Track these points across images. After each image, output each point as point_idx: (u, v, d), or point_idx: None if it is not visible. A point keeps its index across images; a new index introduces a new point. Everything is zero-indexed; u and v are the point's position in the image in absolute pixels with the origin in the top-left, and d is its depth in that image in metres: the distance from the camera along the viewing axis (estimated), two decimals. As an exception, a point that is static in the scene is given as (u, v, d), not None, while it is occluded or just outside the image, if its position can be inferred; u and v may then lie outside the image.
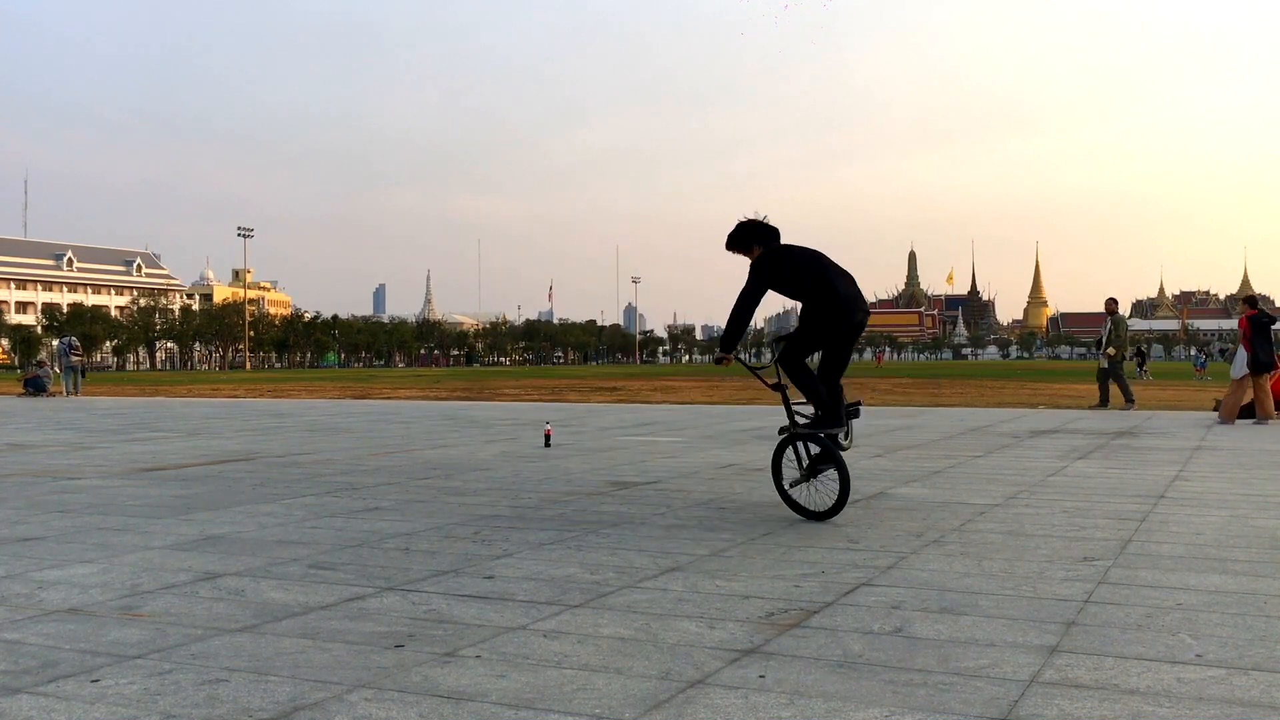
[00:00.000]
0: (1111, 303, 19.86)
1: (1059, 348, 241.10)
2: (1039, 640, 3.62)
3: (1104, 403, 19.11)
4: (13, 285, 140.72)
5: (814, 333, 6.35)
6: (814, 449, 6.35)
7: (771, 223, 6.59)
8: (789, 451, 6.52)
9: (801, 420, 6.45)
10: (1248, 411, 16.64)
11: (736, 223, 6.60)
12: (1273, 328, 16.17)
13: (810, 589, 4.42)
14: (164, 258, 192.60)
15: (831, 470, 6.25)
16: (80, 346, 30.21)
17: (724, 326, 6.43)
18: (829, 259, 6.48)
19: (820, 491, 6.33)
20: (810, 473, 6.35)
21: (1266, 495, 7.41)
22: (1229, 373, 16.06)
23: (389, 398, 27.37)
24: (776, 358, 6.41)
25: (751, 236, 6.55)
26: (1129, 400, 18.97)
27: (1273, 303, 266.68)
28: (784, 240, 6.57)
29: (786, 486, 6.43)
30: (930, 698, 3.02)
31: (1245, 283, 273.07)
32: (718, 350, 6.54)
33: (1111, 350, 19.09)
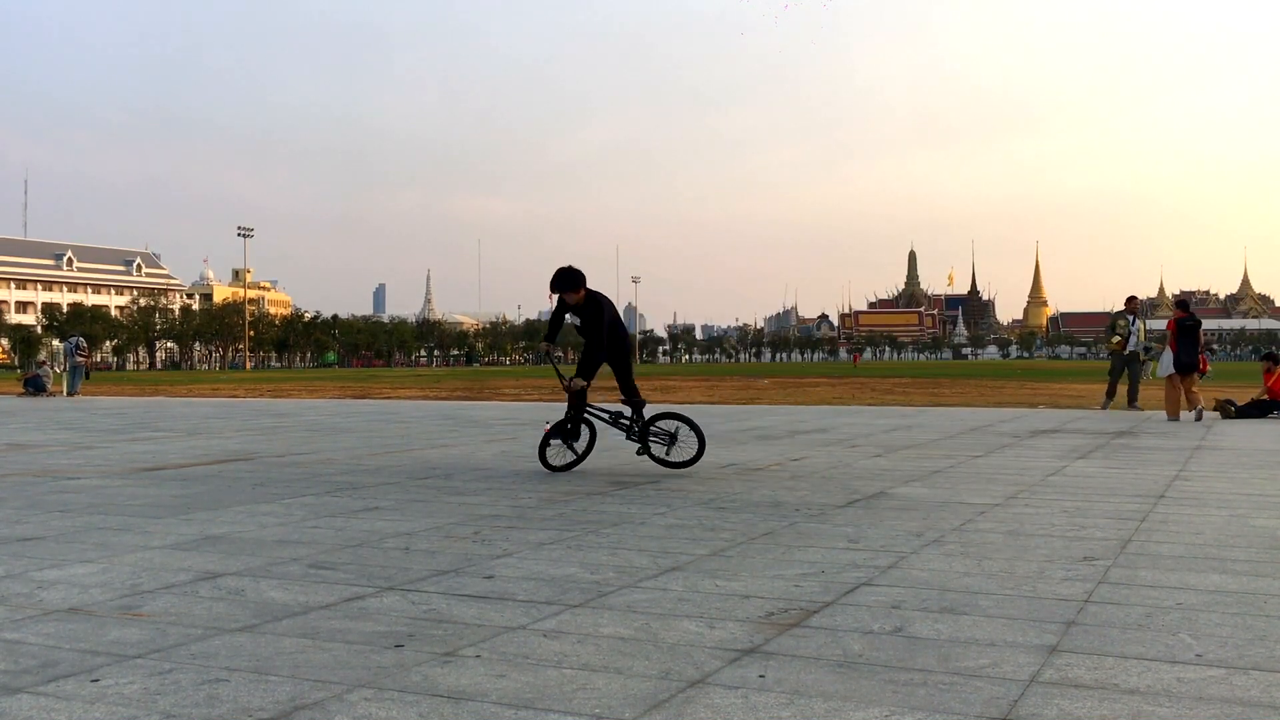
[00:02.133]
0: (1134, 300, 19.70)
1: (1059, 347, 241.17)
2: (1039, 640, 3.62)
3: (1133, 398, 18.99)
4: (13, 285, 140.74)
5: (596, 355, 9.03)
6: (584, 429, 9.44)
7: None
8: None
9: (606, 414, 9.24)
10: (1248, 410, 16.71)
11: (566, 268, 8.85)
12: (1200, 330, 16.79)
13: (810, 589, 4.43)
14: (164, 258, 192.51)
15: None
16: (87, 347, 30.13)
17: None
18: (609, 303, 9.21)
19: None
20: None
21: (1266, 495, 7.42)
22: (1157, 372, 16.84)
23: (389, 397, 27.38)
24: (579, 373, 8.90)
25: (580, 281, 8.90)
26: (1110, 400, 19.06)
27: (1273, 303, 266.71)
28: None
29: (552, 463, 9.14)
30: (930, 697, 3.02)
31: (1245, 282, 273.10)
32: (543, 343, 9.18)
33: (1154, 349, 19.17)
